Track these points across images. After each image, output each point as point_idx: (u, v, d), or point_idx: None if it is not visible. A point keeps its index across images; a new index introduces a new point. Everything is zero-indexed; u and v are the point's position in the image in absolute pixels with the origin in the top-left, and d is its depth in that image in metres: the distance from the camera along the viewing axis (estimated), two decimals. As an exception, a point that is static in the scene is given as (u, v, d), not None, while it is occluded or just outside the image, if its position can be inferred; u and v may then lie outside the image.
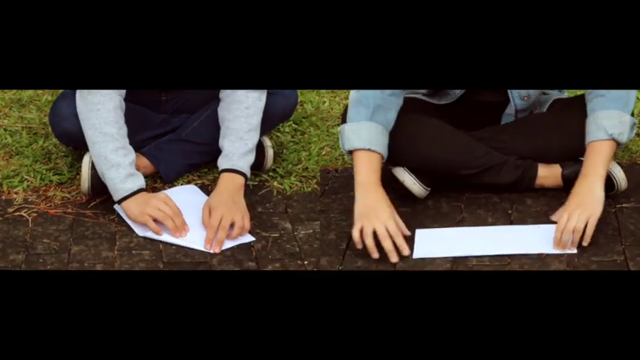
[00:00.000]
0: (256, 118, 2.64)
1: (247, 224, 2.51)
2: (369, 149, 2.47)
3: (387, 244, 2.38)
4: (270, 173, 2.82)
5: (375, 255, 2.37)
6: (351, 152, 2.50)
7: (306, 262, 2.43)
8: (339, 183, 2.78)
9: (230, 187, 2.57)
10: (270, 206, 2.67)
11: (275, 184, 2.77)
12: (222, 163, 2.61)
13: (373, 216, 2.39)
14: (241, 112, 2.62)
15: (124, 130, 2.56)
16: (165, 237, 2.49)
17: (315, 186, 2.76)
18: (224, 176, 2.59)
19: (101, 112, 2.51)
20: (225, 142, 2.62)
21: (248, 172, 2.61)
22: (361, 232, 2.38)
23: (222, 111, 2.66)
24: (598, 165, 2.41)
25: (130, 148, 2.56)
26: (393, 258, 2.37)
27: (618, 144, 2.44)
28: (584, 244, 2.36)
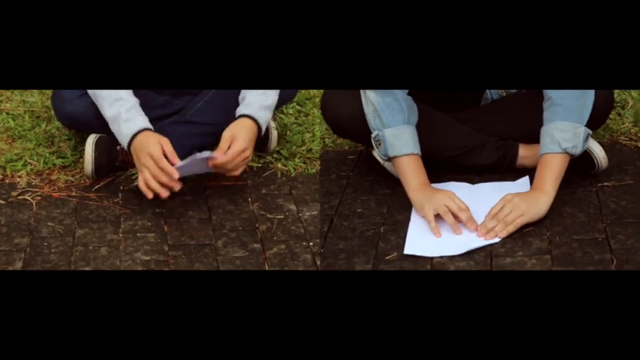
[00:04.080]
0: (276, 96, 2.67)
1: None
2: (415, 154, 2.48)
3: (464, 215, 2.38)
4: (275, 155, 2.81)
5: (459, 232, 2.38)
6: (390, 157, 2.50)
7: (311, 244, 2.42)
8: (321, 166, 2.78)
9: (247, 127, 2.57)
10: (275, 188, 2.66)
11: (279, 165, 2.77)
12: (240, 109, 2.61)
13: (440, 197, 2.40)
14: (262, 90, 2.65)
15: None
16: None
17: (320, 167, 2.76)
18: (241, 120, 2.59)
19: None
20: (247, 95, 2.62)
21: (263, 127, 2.60)
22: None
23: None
24: (548, 181, 2.41)
25: (128, 95, 2.57)
26: (473, 225, 2.38)
27: (572, 156, 2.43)
28: (501, 235, 2.35)
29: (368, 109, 2.51)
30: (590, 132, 2.46)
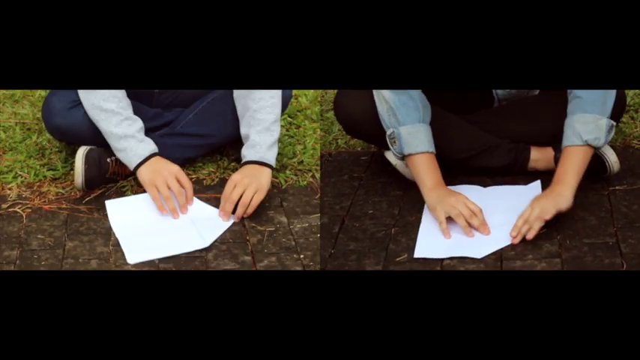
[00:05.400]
0: (279, 107, 2.63)
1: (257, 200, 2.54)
2: (430, 152, 2.49)
3: (476, 221, 2.39)
4: (266, 167, 2.81)
5: (472, 235, 2.39)
6: (405, 155, 2.50)
7: (302, 256, 2.42)
8: (333, 167, 2.79)
9: (264, 174, 2.56)
10: (266, 200, 2.66)
11: (270, 177, 2.77)
12: (248, 154, 2.58)
13: (453, 201, 2.41)
14: (267, 102, 2.60)
15: (125, 102, 2.56)
16: (156, 253, 2.43)
17: (311, 179, 2.75)
18: (250, 166, 2.57)
19: (98, 90, 2.53)
20: (251, 132, 2.59)
21: (274, 164, 2.59)
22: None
23: (245, 99, 2.63)
24: (570, 173, 2.40)
25: (136, 117, 2.57)
26: (485, 230, 2.39)
27: (595, 148, 2.43)
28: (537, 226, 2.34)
29: (382, 108, 2.52)
30: (615, 123, 2.44)
